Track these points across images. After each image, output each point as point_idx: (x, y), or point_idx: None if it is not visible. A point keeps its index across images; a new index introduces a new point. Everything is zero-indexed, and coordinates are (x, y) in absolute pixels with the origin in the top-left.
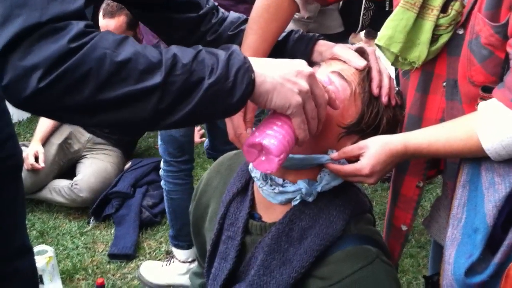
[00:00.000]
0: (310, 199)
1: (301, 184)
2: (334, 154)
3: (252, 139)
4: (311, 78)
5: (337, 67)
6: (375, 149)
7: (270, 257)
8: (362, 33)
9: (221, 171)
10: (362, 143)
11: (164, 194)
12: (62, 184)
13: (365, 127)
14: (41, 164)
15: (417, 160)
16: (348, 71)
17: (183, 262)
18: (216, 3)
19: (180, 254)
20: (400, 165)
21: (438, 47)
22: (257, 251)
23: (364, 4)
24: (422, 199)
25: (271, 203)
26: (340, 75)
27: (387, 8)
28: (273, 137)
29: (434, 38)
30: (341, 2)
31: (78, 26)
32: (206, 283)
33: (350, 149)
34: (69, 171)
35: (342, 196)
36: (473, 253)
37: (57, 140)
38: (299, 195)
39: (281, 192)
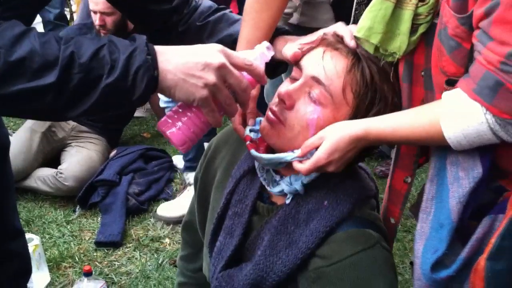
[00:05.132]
0: (301, 192)
1: (283, 185)
2: (299, 151)
3: (163, 125)
4: (221, 69)
5: (317, 71)
6: (332, 137)
7: (277, 238)
8: None
9: (229, 142)
10: (321, 132)
11: None
12: (47, 173)
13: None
14: None
15: (406, 153)
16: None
17: None
18: None
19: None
20: (394, 157)
21: (418, 37)
22: (263, 232)
23: None
24: None
25: None
26: (318, 81)
27: None
28: (179, 128)
29: (414, 28)
30: None
31: None
32: (208, 255)
33: (311, 141)
34: (53, 160)
35: (350, 180)
36: (438, 248)
37: (41, 128)
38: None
39: (274, 186)
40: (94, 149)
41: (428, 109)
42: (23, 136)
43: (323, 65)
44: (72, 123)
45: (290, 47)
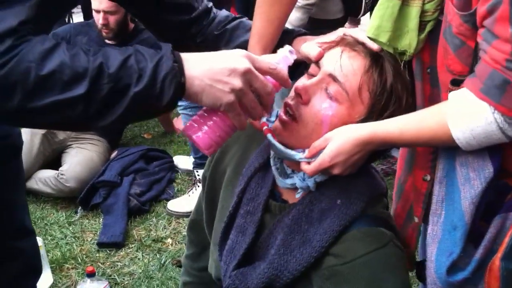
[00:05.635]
0: (313, 189)
1: (296, 179)
2: (306, 152)
3: (188, 130)
4: (247, 74)
5: (331, 67)
6: (337, 140)
7: (290, 237)
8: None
9: (240, 139)
10: (328, 134)
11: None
12: (48, 174)
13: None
14: None
15: (421, 152)
16: (349, 66)
17: None
18: (210, 4)
19: None
20: (410, 156)
21: (426, 35)
22: (276, 231)
23: None
24: None
25: None
26: (334, 78)
27: None
28: (205, 132)
29: (422, 26)
30: None
31: (5, 43)
32: (217, 253)
33: (318, 143)
34: (54, 162)
35: (362, 178)
36: (453, 251)
37: (41, 130)
38: (300, 188)
39: (285, 178)
40: (95, 150)
41: (435, 110)
42: (24, 138)
43: (341, 63)
44: None
45: (309, 45)
